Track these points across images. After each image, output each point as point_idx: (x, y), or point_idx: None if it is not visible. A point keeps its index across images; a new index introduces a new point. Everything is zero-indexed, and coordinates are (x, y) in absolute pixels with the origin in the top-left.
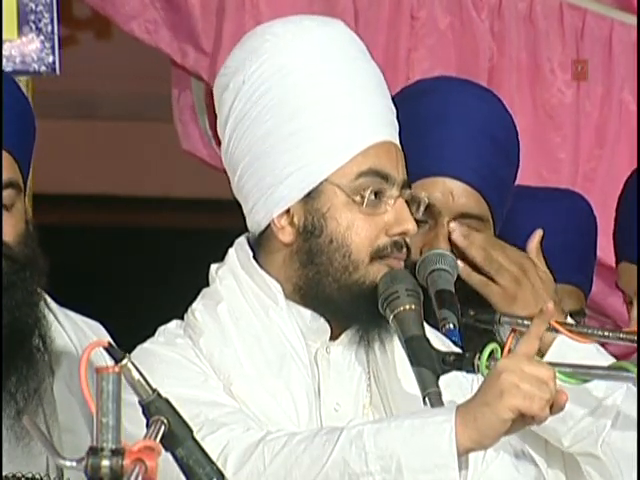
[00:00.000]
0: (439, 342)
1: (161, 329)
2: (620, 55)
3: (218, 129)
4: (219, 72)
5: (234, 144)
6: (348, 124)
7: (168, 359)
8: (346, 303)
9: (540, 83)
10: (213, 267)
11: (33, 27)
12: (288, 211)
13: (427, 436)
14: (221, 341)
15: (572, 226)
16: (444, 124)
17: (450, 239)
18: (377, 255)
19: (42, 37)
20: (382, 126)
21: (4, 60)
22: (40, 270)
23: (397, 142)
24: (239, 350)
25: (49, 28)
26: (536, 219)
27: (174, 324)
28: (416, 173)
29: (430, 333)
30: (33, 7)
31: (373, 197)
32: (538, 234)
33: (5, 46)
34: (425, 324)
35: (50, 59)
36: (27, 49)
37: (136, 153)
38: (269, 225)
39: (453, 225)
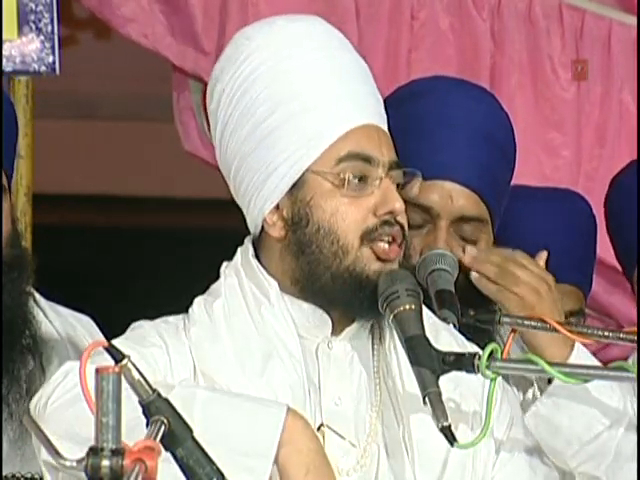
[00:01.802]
0: (451, 337)
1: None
2: (619, 55)
3: (212, 138)
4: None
5: (223, 150)
6: (324, 112)
7: (147, 326)
8: (341, 292)
9: (541, 82)
10: (224, 264)
11: (33, 27)
12: (278, 207)
13: (258, 422)
14: (211, 337)
15: (572, 226)
16: (441, 127)
17: (446, 245)
18: (367, 237)
19: (42, 37)
20: (361, 110)
21: (4, 60)
22: (28, 270)
23: (381, 125)
24: (227, 347)
25: (49, 28)
26: (536, 219)
27: (177, 316)
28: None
29: (445, 330)
30: (33, 7)
31: (356, 181)
32: (543, 255)
33: (5, 46)
34: (437, 319)
35: (50, 59)
36: (27, 49)
37: (136, 153)
38: (263, 224)
39: (468, 249)
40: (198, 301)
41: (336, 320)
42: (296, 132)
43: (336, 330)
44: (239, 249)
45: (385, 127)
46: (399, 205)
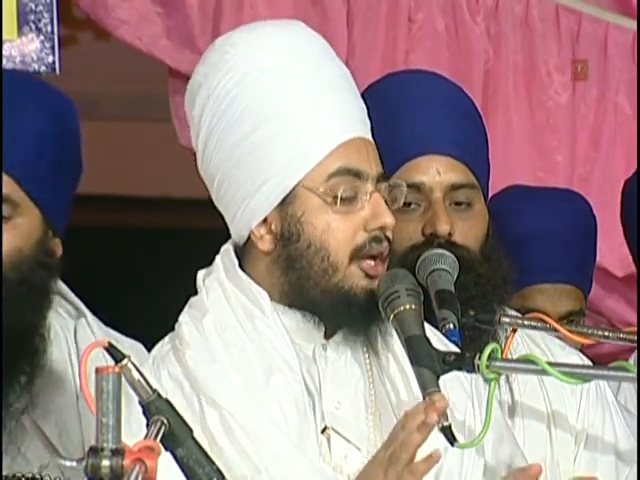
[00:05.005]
0: (438, 342)
1: (152, 354)
2: (615, 57)
3: (193, 143)
4: (186, 89)
5: (207, 159)
6: (313, 127)
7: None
8: (330, 307)
9: (536, 86)
10: (200, 274)
11: (33, 27)
12: (265, 220)
13: None
14: (208, 357)
15: (572, 226)
16: (415, 105)
17: (447, 216)
18: (356, 255)
19: (42, 37)
20: (348, 123)
21: (4, 60)
22: (36, 288)
23: (368, 136)
24: (226, 364)
25: (49, 28)
26: (536, 219)
27: (162, 347)
28: (398, 161)
29: (429, 332)
30: (33, 7)
31: (347, 196)
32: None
33: (5, 46)
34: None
35: (50, 59)
36: (27, 49)
37: (136, 153)
38: (249, 235)
39: None
40: (185, 320)
41: (327, 325)
42: (283, 149)
43: (328, 333)
44: (218, 258)
45: (370, 136)
46: (389, 220)
